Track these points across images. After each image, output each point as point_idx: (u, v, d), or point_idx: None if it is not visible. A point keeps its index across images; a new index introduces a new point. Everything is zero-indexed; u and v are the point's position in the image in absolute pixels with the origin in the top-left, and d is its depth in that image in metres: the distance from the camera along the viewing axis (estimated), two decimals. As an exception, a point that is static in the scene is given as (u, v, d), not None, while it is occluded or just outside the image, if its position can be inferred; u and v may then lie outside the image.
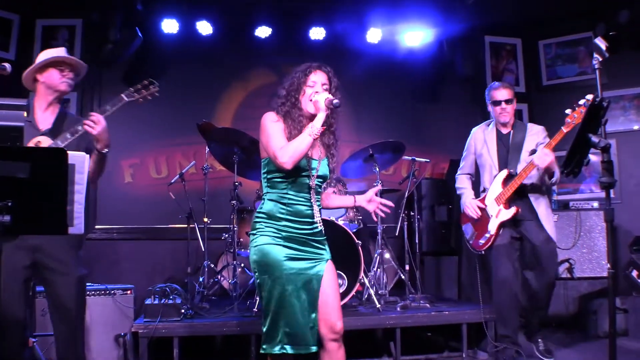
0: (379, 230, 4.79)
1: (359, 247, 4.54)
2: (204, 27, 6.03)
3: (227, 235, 5.00)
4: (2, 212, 2.17)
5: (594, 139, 2.66)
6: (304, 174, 2.74)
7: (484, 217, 4.20)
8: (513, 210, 4.07)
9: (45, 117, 3.13)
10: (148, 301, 4.09)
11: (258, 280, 2.71)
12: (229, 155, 4.80)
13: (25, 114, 2.94)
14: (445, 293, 5.91)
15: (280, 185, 2.75)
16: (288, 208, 2.72)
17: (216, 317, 4.22)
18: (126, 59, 5.90)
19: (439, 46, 6.43)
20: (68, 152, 2.32)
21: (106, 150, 3.07)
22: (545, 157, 3.83)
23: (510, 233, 4.16)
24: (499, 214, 4.11)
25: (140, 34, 5.69)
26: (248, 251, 4.79)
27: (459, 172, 4.53)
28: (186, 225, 5.14)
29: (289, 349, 2.62)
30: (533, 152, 4.07)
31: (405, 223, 5.21)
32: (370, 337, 4.66)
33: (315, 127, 2.63)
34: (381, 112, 6.58)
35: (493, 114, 4.32)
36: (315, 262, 2.74)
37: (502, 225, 4.12)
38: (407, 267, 4.99)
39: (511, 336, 4.14)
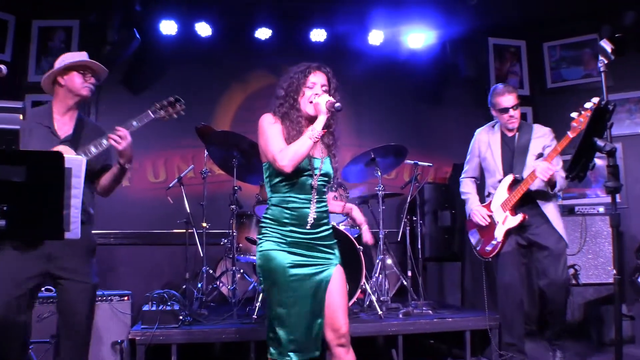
0: (380, 236, 4.77)
1: (361, 253, 4.52)
2: (203, 29, 6.00)
3: (226, 241, 5.00)
4: (-3, 216, 2.15)
5: (600, 142, 2.64)
6: (305, 174, 2.72)
7: (491, 224, 4.14)
8: (520, 217, 4.01)
9: (64, 122, 3.10)
10: (145, 307, 4.07)
11: (262, 286, 2.72)
12: (228, 158, 4.78)
13: (21, 116, 2.89)
14: (448, 299, 5.87)
15: (283, 188, 2.72)
16: (293, 212, 2.69)
17: (215, 323, 4.19)
18: (124, 61, 5.85)
19: (441, 48, 6.39)
20: (65, 155, 2.28)
21: (129, 165, 3.06)
22: (547, 171, 3.76)
23: (516, 240, 4.10)
24: (505, 221, 4.05)
25: (138, 36, 5.64)
26: (247, 257, 4.88)
27: (463, 175, 4.47)
28: (184, 230, 5.14)
29: (293, 357, 2.61)
30: (540, 155, 4.00)
31: (408, 228, 5.22)
32: (372, 345, 4.64)
33: (316, 130, 2.63)
34: (383, 115, 6.54)
35: (499, 121, 4.24)
36: (323, 267, 2.71)
37: (509, 232, 4.06)
38: (409, 273, 4.99)
39: (517, 344, 4.08)
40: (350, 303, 4.45)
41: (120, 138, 2.97)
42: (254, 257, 4.87)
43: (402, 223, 5.16)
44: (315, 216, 2.71)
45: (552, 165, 3.78)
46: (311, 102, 2.71)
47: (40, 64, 5.50)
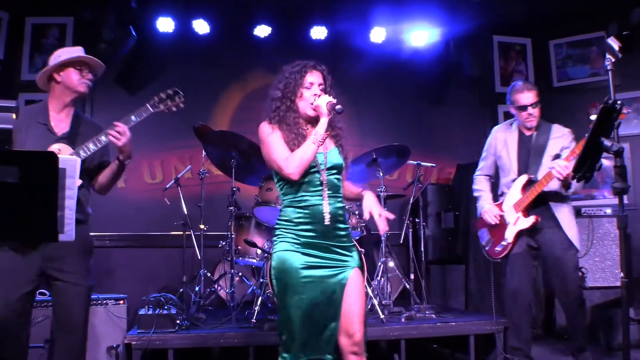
0: (382, 238, 4.76)
1: (362, 256, 4.40)
2: (201, 26, 5.98)
3: (224, 243, 4.99)
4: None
5: (607, 142, 2.62)
6: (312, 170, 2.70)
7: (502, 224, 4.08)
8: (532, 219, 3.93)
9: (60, 119, 3.08)
10: (142, 311, 4.03)
11: (275, 288, 2.72)
12: (226, 159, 4.77)
13: (14, 116, 2.84)
14: (451, 303, 5.86)
15: (294, 189, 2.72)
16: (305, 211, 2.68)
17: (213, 328, 4.17)
18: (120, 59, 5.82)
19: (445, 46, 6.34)
20: (59, 155, 2.24)
21: (128, 161, 3.06)
22: (564, 170, 3.66)
23: (527, 241, 4.03)
24: (517, 222, 3.99)
25: (134, 33, 5.62)
26: (246, 259, 4.81)
27: (477, 172, 4.40)
28: (182, 232, 5.14)
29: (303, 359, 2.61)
30: (557, 156, 3.90)
31: (410, 230, 5.18)
32: (374, 349, 4.56)
33: (319, 133, 2.63)
34: (385, 115, 6.51)
35: (517, 118, 4.16)
36: (339, 270, 2.67)
37: (520, 233, 3.99)
38: (412, 276, 4.95)
39: (523, 349, 4.02)
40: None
41: (120, 134, 2.94)
42: (253, 260, 4.92)
43: (405, 225, 5.10)
44: (329, 211, 2.66)
45: (570, 164, 3.70)
46: (312, 104, 2.71)
47: (33, 62, 5.49)
